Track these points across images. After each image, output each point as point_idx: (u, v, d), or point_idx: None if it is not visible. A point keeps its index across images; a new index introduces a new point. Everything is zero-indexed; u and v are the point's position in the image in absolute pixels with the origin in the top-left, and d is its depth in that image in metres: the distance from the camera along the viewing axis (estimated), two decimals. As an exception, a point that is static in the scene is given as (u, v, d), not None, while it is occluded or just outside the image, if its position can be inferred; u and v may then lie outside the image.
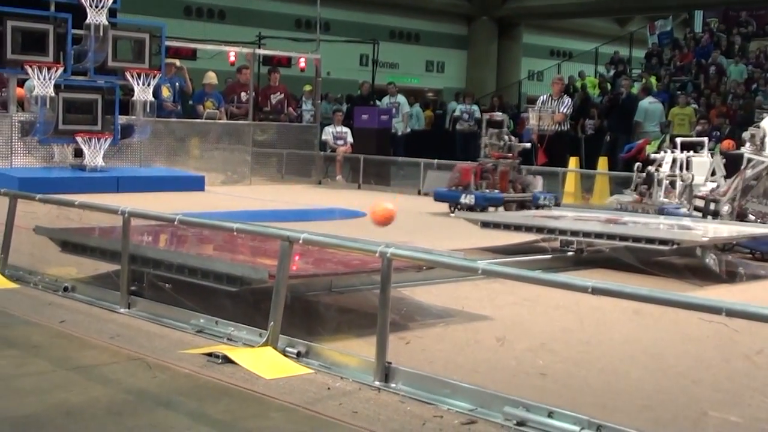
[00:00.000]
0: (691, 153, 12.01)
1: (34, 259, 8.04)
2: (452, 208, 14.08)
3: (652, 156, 12.61)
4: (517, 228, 9.97)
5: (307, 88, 22.86)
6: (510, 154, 14.37)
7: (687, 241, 9.17)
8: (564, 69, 33.58)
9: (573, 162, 18.38)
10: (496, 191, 14.03)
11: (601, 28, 43.39)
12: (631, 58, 34.18)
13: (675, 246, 8.87)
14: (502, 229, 10.09)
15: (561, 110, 17.82)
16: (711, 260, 9.37)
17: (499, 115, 15.72)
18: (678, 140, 12.35)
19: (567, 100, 18.49)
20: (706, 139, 13.02)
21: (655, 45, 32.34)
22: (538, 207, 13.84)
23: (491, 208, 13.82)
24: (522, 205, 14.02)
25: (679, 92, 24.97)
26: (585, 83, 29.60)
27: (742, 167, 11.12)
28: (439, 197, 14.62)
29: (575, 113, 19.38)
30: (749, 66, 26.86)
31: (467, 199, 13.75)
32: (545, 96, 18.62)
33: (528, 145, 15.50)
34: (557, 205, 14.12)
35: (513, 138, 14.76)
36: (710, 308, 4.15)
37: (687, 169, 11.76)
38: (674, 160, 11.80)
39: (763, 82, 25.33)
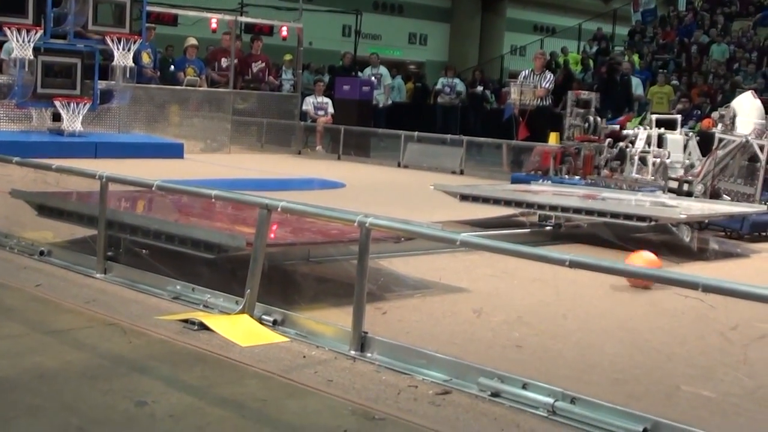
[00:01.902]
0: (662, 130, 11.97)
1: (10, 223, 7.99)
2: None
3: (624, 132, 12.58)
4: (496, 201, 9.98)
5: (287, 57, 22.76)
6: (596, 137, 13.13)
7: (665, 218, 9.20)
8: (547, 45, 33.51)
9: (553, 137, 18.32)
10: (577, 177, 12.83)
11: (584, 4, 43.34)
12: (614, 35, 34.16)
13: (653, 222, 8.91)
14: (481, 203, 10.10)
15: (543, 85, 17.84)
16: (686, 233, 9.43)
17: (586, 94, 14.31)
18: (653, 117, 12.34)
19: (549, 75, 18.52)
20: (679, 117, 12.94)
21: (639, 22, 32.32)
22: None
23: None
24: None
25: (660, 71, 24.98)
26: (567, 59, 29.58)
27: (714, 147, 11.18)
28: (516, 182, 13.45)
29: (557, 89, 19.35)
30: (731, 46, 26.89)
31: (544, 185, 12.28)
32: (527, 71, 18.64)
33: (617, 127, 13.93)
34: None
35: (600, 119, 13.47)
36: (687, 283, 4.18)
37: (660, 146, 11.74)
38: (648, 137, 11.78)
39: (744, 62, 25.36)
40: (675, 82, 23.76)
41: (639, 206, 9.76)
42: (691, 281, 4.14)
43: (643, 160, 11.73)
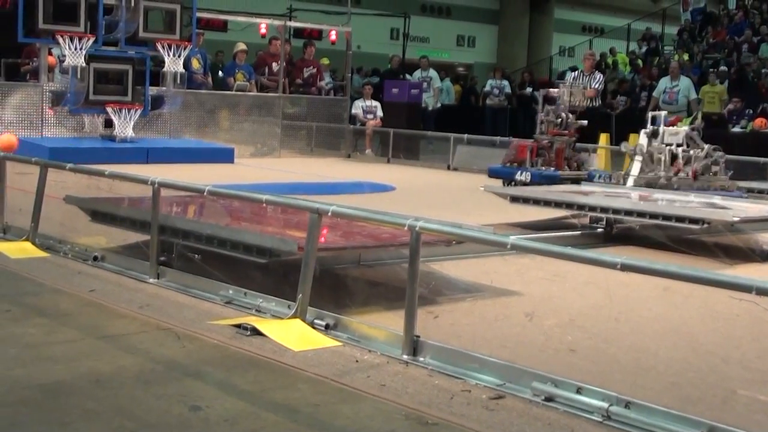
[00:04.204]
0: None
1: (64, 229, 8.08)
2: (507, 185, 13.69)
3: None
4: (547, 203, 9.93)
5: (325, 61, 22.80)
6: (566, 131, 14.04)
7: (717, 220, 9.11)
8: (595, 45, 33.33)
9: (603, 138, 18.26)
10: (552, 168, 13.71)
11: (633, 3, 42.99)
12: (663, 35, 33.89)
13: (705, 225, 8.82)
14: (531, 204, 10.04)
15: (593, 86, 17.71)
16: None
17: (555, 92, 15.13)
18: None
19: (599, 75, 18.38)
20: None
21: (688, 21, 32.04)
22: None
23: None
24: (577, 183, 13.30)
25: (711, 70, 24.73)
26: (616, 60, 29.40)
27: None
28: (493, 174, 14.32)
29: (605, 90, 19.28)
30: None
31: (523, 176, 13.55)
32: (576, 72, 18.52)
33: (585, 122, 14.76)
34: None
35: (570, 115, 14.30)
36: (741, 286, 4.12)
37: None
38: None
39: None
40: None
41: (691, 208, 9.67)
42: (744, 284, 4.08)
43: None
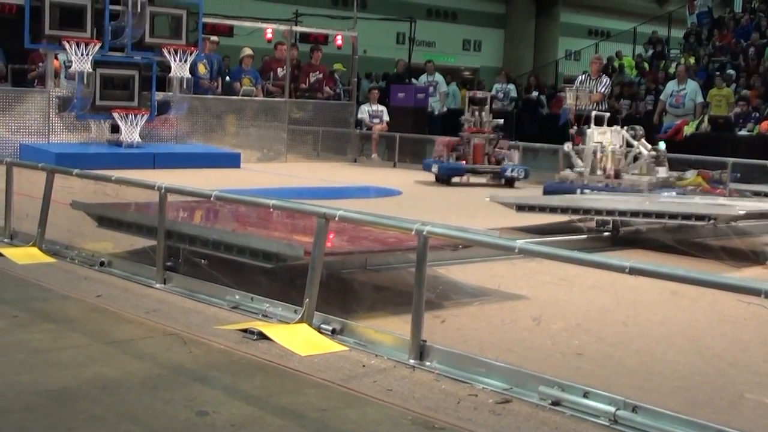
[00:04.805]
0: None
1: (71, 234, 8.08)
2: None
3: None
4: (553, 210, 9.91)
5: (339, 66, 22.80)
6: (485, 129, 16.00)
7: (723, 215, 9.09)
8: (602, 48, 33.27)
9: (610, 141, 18.25)
10: (462, 162, 15.74)
11: (639, 7, 42.98)
12: (669, 38, 33.83)
13: (711, 221, 8.81)
14: (537, 212, 10.02)
15: (599, 90, 17.70)
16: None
17: (480, 94, 17.37)
18: None
19: (605, 79, 18.36)
20: None
21: (694, 24, 31.99)
22: (507, 179, 15.70)
23: (456, 177, 15.74)
24: (494, 176, 15.84)
25: (717, 73, 24.69)
26: (622, 63, 29.37)
27: None
28: (426, 167, 16.40)
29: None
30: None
31: (434, 168, 15.79)
32: (583, 75, 18.52)
33: (501, 121, 16.58)
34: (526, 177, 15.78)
35: (490, 116, 16.27)
36: (749, 290, 4.11)
37: None
38: None
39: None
40: (733, 85, 23.44)
41: (696, 205, 9.66)
42: (753, 288, 4.07)
43: None
